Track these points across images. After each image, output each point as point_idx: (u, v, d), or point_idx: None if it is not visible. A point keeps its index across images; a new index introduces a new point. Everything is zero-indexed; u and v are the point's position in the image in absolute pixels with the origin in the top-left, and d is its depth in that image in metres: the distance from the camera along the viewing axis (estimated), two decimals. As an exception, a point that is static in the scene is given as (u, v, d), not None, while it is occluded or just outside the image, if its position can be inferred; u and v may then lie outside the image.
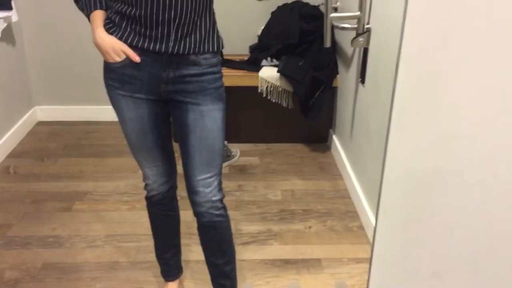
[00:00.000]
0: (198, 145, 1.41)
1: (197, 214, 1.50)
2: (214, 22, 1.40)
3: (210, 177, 1.45)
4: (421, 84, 0.92)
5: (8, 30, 2.88)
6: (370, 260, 1.04)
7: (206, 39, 1.37)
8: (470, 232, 1.02)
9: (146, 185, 1.64)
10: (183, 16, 1.30)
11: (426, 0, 0.86)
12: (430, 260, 1.05)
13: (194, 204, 1.49)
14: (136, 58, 1.34)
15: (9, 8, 2.64)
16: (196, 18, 1.33)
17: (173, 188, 1.66)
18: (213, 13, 1.40)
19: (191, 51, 1.34)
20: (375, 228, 1.04)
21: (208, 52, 1.38)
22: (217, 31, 1.42)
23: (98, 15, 1.36)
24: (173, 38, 1.32)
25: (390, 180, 0.99)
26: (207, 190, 1.45)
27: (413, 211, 1.02)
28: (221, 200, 1.49)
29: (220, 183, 1.48)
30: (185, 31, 1.32)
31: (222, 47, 1.43)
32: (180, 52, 1.34)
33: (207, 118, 1.40)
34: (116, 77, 1.41)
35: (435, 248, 1.04)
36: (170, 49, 1.33)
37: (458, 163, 0.98)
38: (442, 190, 1.00)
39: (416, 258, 1.05)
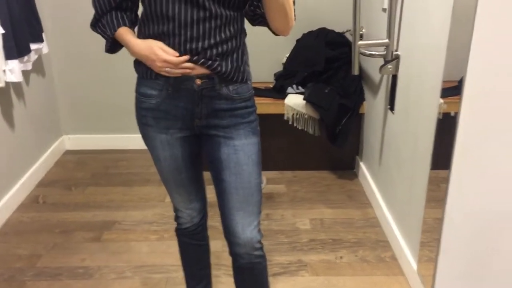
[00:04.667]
0: (234, 181, 1.37)
1: (234, 254, 1.45)
2: (244, 54, 1.38)
3: (248, 216, 1.39)
4: (484, 124, 0.90)
5: (39, 61, 2.95)
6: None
7: (236, 71, 1.35)
8: None
9: (178, 217, 1.62)
10: (211, 47, 1.28)
11: (490, 44, 0.84)
12: (494, 278, 1.01)
13: (231, 244, 1.44)
14: (182, 58, 1.28)
15: (41, 40, 2.71)
16: (225, 49, 1.31)
17: (204, 217, 1.65)
18: (244, 45, 1.39)
19: (221, 82, 1.33)
20: (434, 273, 1.00)
21: (238, 83, 1.36)
22: (247, 64, 1.40)
23: (126, 30, 1.35)
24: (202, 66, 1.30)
25: (451, 223, 0.96)
26: (246, 230, 1.39)
27: (477, 255, 0.98)
28: (259, 241, 1.43)
29: (259, 223, 1.42)
30: (214, 61, 1.30)
31: (250, 80, 1.42)
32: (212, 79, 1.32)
33: (242, 153, 1.37)
34: (151, 114, 1.40)
35: (500, 273, 1.00)
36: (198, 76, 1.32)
37: None
38: (510, 233, 0.96)
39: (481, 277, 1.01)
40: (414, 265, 2.00)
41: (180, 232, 1.67)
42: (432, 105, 1.82)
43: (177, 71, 1.28)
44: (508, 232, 0.96)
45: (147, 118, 1.41)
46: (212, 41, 1.27)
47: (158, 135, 1.41)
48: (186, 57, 1.28)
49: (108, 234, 2.38)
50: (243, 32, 1.36)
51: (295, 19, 1.30)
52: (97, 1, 1.35)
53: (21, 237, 2.35)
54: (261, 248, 1.45)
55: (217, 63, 1.30)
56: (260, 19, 1.32)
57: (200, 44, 1.27)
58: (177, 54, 1.28)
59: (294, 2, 1.28)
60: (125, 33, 1.34)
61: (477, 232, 0.96)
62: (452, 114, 1.74)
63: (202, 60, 1.29)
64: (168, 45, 1.28)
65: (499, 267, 0.99)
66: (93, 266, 2.14)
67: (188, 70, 1.29)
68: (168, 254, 2.22)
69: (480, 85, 0.91)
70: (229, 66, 1.33)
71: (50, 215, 2.54)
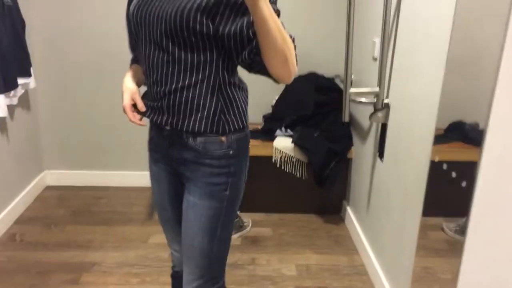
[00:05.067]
0: (183, 239, 1.33)
1: None
2: (219, 103, 1.25)
3: (188, 274, 1.34)
4: (502, 192, 0.89)
5: (25, 96, 2.90)
6: None
7: (201, 121, 1.25)
8: None
9: (172, 259, 1.56)
10: (175, 92, 1.24)
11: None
12: None
13: None
14: (140, 106, 1.32)
15: (28, 75, 2.67)
16: (190, 95, 1.23)
17: None
18: (223, 93, 1.26)
19: (183, 128, 1.25)
20: None
21: (206, 137, 1.26)
22: (227, 114, 1.27)
23: (132, 68, 1.42)
24: (166, 112, 1.27)
25: None
26: (185, 286, 1.34)
27: None
28: None
29: (200, 286, 1.34)
30: (178, 107, 1.25)
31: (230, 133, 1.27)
32: (174, 127, 1.27)
33: (191, 212, 1.30)
34: (150, 144, 1.44)
35: None
36: (163, 123, 1.29)
37: None
38: None
39: None
40: (403, 318, 1.96)
41: (172, 274, 1.61)
42: (423, 152, 1.82)
43: (132, 120, 1.32)
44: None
45: (149, 146, 1.45)
46: (174, 85, 1.23)
47: (152, 165, 1.44)
48: (128, 106, 1.32)
49: (86, 277, 2.29)
50: (219, 79, 1.24)
51: (296, 64, 1.19)
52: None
53: (-5, 278, 2.25)
54: None
55: (165, 117, 1.27)
56: (258, 67, 1.19)
57: (163, 88, 1.25)
58: (128, 102, 1.32)
59: (294, 46, 1.17)
60: (129, 71, 1.42)
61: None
62: (437, 160, 1.75)
63: (148, 114, 1.32)
64: (147, 86, 1.33)
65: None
66: (70, 311, 2.05)
67: (137, 122, 1.31)
68: (149, 299, 2.14)
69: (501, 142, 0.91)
70: (193, 116, 1.24)
71: (27, 255, 2.44)
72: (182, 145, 1.29)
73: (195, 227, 1.30)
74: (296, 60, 1.19)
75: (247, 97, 1.35)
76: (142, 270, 2.36)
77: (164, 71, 1.23)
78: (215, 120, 1.25)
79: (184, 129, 1.26)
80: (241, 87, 1.32)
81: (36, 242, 2.57)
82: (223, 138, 1.27)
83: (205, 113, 1.24)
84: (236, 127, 1.28)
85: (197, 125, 1.25)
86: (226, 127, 1.27)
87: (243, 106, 1.31)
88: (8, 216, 2.69)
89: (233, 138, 1.28)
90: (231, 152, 1.28)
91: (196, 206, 1.29)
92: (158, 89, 1.26)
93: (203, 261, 1.33)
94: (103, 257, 2.46)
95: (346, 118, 2.23)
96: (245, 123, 1.32)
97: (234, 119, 1.28)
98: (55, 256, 2.44)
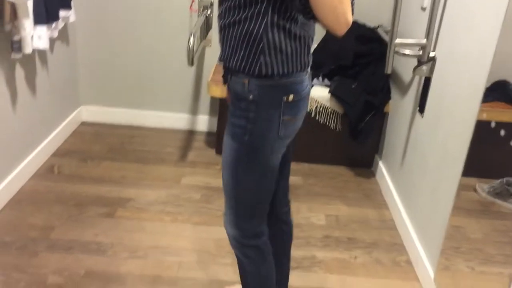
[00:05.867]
0: None
1: None
2: (248, 44, 1.21)
3: (225, 211, 1.44)
4: None
5: (64, 29, 2.90)
6: None
7: (228, 57, 1.26)
8: None
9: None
10: (225, 27, 1.25)
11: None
12: None
13: None
14: None
15: (69, 7, 2.65)
16: (229, 32, 1.24)
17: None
18: (255, 35, 1.20)
19: (226, 65, 1.29)
20: None
21: (233, 76, 1.27)
22: (249, 55, 1.22)
23: None
24: (220, 46, 1.31)
25: None
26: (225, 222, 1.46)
27: None
28: (234, 238, 1.44)
29: (230, 220, 1.42)
30: (225, 42, 1.27)
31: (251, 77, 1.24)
32: (223, 62, 1.31)
33: (224, 148, 1.36)
34: None
35: None
36: (219, 57, 1.33)
37: None
38: None
39: None
40: (431, 273, 1.97)
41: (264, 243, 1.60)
42: (469, 110, 1.77)
43: None
44: None
45: None
46: (226, 20, 1.24)
47: None
48: None
49: (121, 211, 2.36)
50: (267, 18, 1.18)
51: (352, 13, 1.10)
52: None
53: (35, 206, 2.33)
54: (238, 247, 1.46)
55: (220, 51, 1.30)
56: (312, 13, 1.11)
57: (220, 22, 1.27)
58: None
59: None
60: None
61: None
62: (484, 119, 1.71)
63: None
64: None
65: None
66: (106, 242, 2.13)
67: None
68: (182, 237, 2.20)
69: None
70: (236, 54, 1.24)
71: (64, 186, 2.52)
72: (228, 87, 1.32)
73: (224, 163, 1.36)
74: (352, 10, 1.12)
75: (300, 47, 1.25)
76: (174, 209, 2.42)
77: (224, 5, 1.24)
78: (249, 61, 1.22)
79: (227, 65, 1.28)
80: (294, 34, 1.22)
81: (73, 175, 2.65)
82: (246, 80, 1.25)
83: (246, 52, 1.22)
84: (263, 72, 1.22)
85: (234, 63, 1.24)
86: (251, 70, 1.22)
87: (286, 54, 1.22)
88: (46, 148, 2.77)
89: (255, 84, 1.24)
90: (250, 97, 1.25)
91: (224, 143, 1.35)
92: (218, 22, 1.29)
93: (227, 195, 1.40)
94: (137, 194, 2.52)
95: (389, 70, 2.17)
96: (279, 71, 1.23)
97: (264, 64, 1.22)
98: (92, 189, 2.52)
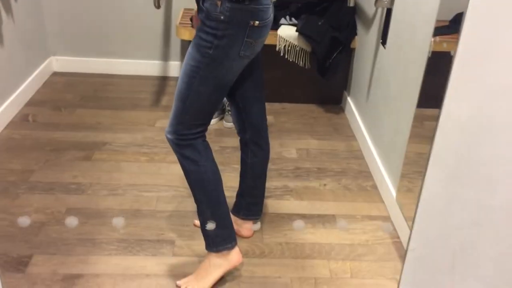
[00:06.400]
0: None
1: None
2: None
3: (170, 120, 1.55)
4: (484, 38, 0.94)
5: (26, -23, 2.85)
6: (417, 202, 1.10)
7: None
8: None
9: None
10: None
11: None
12: (473, 208, 1.10)
13: None
14: None
15: (29, -46, 2.61)
16: None
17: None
18: None
19: None
20: (423, 174, 1.08)
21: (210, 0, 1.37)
22: None
23: None
24: None
25: (444, 131, 1.02)
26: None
27: (462, 162, 1.06)
28: (173, 142, 1.56)
29: (172, 126, 1.55)
30: None
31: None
32: None
33: (186, 58, 1.48)
34: None
35: (479, 197, 1.09)
36: None
37: (509, 118, 1.02)
38: (491, 143, 1.04)
39: (460, 205, 1.11)
40: (393, 194, 2.11)
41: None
42: (424, 41, 1.85)
43: None
44: (489, 141, 1.04)
45: None
46: None
47: None
48: None
49: (98, 154, 2.43)
50: None
51: None
52: None
53: (12, 153, 2.38)
54: (176, 150, 1.58)
55: None
56: None
57: None
58: None
59: None
60: None
61: (463, 141, 1.04)
62: (437, 50, 1.79)
63: None
64: None
65: (478, 174, 1.08)
66: (85, 182, 2.20)
67: None
68: (159, 175, 2.29)
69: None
70: None
71: (40, 134, 2.57)
72: (200, 9, 1.42)
73: (181, 71, 1.50)
74: None
75: None
76: (150, 150, 2.49)
77: None
78: None
79: None
80: None
81: (48, 122, 2.68)
82: (219, 2, 1.37)
83: None
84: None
85: None
86: None
87: None
88: (18, 98, 2.78)
89: (227, 6, 1.37)
90: (221, 17, 1.38)
91: (187, 53, 1.48)
92: None
93: (179, 103, 1.52)
94: (112, 137, 2.58)
95: (352, 3, 2.22)
96: None
97: None
98: (67, 135, 2.57)
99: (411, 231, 1.13)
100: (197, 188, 1.62)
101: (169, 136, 1.56)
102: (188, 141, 1.56)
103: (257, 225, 1.97)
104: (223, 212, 1.66)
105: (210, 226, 1.63)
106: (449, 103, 1.01)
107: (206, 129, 1.60)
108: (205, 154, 1.59)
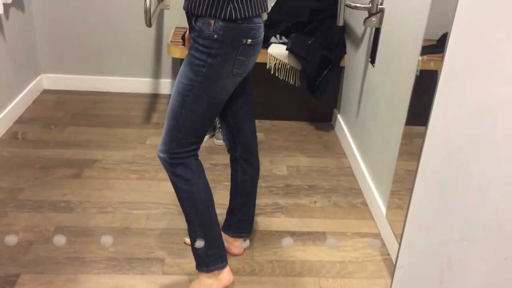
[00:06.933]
0: None
1: None
2: None
3: (162, 139, 1.55)
4: (469, 57, 0.97)
5: (18, -5, 2.87)
6: (405, 218, 1.11)
7: (195, 4, 1.39)
8: (500, 202, 1.08)
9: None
10: None
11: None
12: (461, 224, 1.11)
13: None
14: None
15: (21, -27, 2.63)
16: None
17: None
18: None
19: (190, 10, 1.42)
20: (411, 189, 1.10)
21: (203, 18, 1.39)
22: (229, 4, 1.37)
23: None
24: None
25: (431, 147, 1.04)
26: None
27: (449, 177, 1.08)
28: (165, 161, 1.56)
29: (164, 145, 1.54)
30: None
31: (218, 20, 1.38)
32: (186, 9, 1.44)
33: (179, 76, 1.49)
34: None
35: (467, 213, 1.10)
36: (183, 7, 1.45)
37: (495, 135, 1.04)
38: (478, 160, 1.06)
39: (448, 221, 1.11)
40: (384, 211, 2.12)
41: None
42: (412, 60, 1.88)
43: None
44: (476, 157, 1.06)
45: None
46: None
47: None
48: None
49: (88, 172, 2.42)
50: None
51: None
52: None
53: (1, 171, 2.36)
54: (168, 168, 1.58)
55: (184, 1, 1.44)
56: None
57: None
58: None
59: None
60: None
61: (450, 156, 1.05)
62: (423, 69, 1.82)
63: None
64: None
65: (465, 188, 1.09)
66: (75, 200, 2.19)
67: None
68: (149, 192, 2.28)
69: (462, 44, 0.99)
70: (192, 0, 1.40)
71: (30, 151, 2.55)
72: (193, 28, 1.44)
73: (174, 89, 1.50)
74: None
75: None
76: (141, 167, 2.49)
77: None
78: (219, 7, 1.37)
79: (194, 12, 1.41)
80: None
81: (37, 140, 2.67)
82: (212, 21, 1.39)
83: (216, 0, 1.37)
84: (227, 16, 1.38)
85: (202, 9, 1.39)
86: (218, 13, 1.38)
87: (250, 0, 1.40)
88: (8, 116, 2.77)
89: (220, 25, 1.39)
90: (215, 36, 1.40)
91: (180, 72, 1.48)
92: None
93: (169, 121, 1.52)
94: (103, 155, 2.57)
95: (341, 22, 2.26)
96: (242, 15, 1.39)
97: (233, 9, 1.38)
98: (57, 153, 2.56)
99: (399, 247, 1.13)
100: (189, 207, 1.62)
101: (161, 154, 1.56)
102: (180, 160, 1.55)
103: (246, 243, 1.96)
104: (215, 231, 1.65)
105: (200, 244, 1.62)
106: (435, 119, 1.03)
107: (198, 148, 1.59)
108: (197, 173, 1.59)
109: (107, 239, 1.95)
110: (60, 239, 1.92)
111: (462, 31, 0.96)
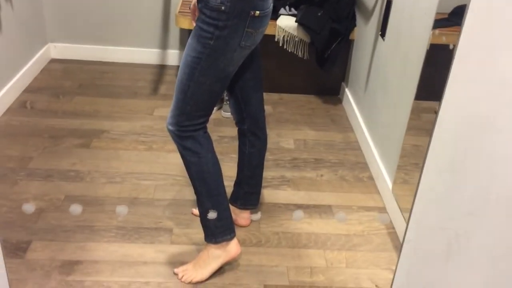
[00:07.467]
0: None
1: None
2: None
3: (171, 112, 1.55)
4: (486, 32, 0.96)
5: (25, -37, 2.84)
6: (415, 193, 1.12)
7: None
8: (511, 178, 1.09)
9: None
10: None
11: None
12: (470, 199, 1.12)
13: None
14: None
15: None
16: None
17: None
18: None
19: None
20: (423, 164, 1.10)
21: None
22: None
23: None
24: None
25: (443, 123, 1.04)
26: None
27: (460, 153, 1.08)
28: (174, 134, 1.56)
29: (173, 117, 1.54)
30: None
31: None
32: None
33: (186, 49, 1.48)
34: None
35: (477, 188, 1.11)
36: None
37: (509, 111, 1.04)
38: (490, 136, 1.06)
39: (457, 196, 1.12)
40: (390, 185, 2.13)
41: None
42: (423, 34, 1.86)
43: None
44: (488, 134, 1.06)
45: None
46: None
47: None
48: None
49: (97, 142, 2.44)
50: None
51: None
52: None
53: (10, 139, 2.39)
54: (177, 141, 1.58)
55: None
56: None
57: None
58: None
59: None
60: None
61: (462, 133, 1.06)
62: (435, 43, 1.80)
63: None
64: None
65: (476, 165, 1.10)
66: (84, 170, 2.21)
67: None
68: (156, 163, 2.30)
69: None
70: None
71: (38, 121, 2.57)
72: None
73: (182, 62, 1.49)
74: None
75: None
76: (148, 138, 2.50)
77: None
78: None
79: None
80: None
81: (46, 109, 2.68)
82: None
83: None
84: None
85: None
86: None
87: None
88: (16, 85, 2.78)
89: None
90: (222, 7, 1.38)
91: (188, 45, 1.47)
92: None
93: (178, 94, 1.52)
94: (111, 126, 2.58)
95: (352, -6, 2.22)
96: None
97: None
98: (65, 123, 2.57)
99: (408, 221, 1.14)
100: (198, 180, 1.63)
101: (170, 127, 1.56)
102: (189, 133, 1.56)
103: (258, 215, 1.99)
104: (223, 204, 1.67)
105: (211, 215, 1.64)
106: (449, 96, 1.02)
107: (207, 121, 1.60)
108: (206, 146, 1.60)
109: (121, 209, 1.97)
110: (76, 208, 1.95)
111: (479, 6, 0.94)
